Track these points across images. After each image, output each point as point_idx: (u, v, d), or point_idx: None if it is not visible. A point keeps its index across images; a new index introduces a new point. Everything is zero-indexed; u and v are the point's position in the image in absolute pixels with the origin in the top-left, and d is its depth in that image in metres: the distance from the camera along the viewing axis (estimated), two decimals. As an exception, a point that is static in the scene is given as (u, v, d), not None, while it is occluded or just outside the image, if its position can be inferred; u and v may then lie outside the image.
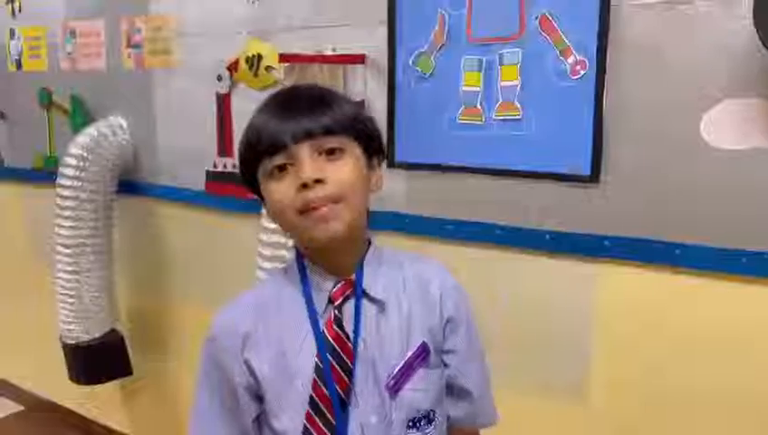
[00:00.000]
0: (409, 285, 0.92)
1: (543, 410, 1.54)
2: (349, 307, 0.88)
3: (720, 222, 1.27)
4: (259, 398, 0.89)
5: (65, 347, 2.21)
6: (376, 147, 0.90)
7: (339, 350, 0.86)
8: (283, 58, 1.73)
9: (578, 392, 1.50)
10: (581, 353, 1.47)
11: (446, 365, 0.94)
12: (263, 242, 1.64)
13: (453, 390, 0.96)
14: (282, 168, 0.82)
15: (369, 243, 0.94)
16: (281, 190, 0.82)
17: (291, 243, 1.60)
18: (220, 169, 1.99)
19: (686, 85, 1.27)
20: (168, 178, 2.14)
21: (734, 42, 1.22)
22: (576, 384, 1.49)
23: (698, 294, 1.33)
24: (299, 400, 0.86)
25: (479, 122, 1.50)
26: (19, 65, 2.55)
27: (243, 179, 0.90)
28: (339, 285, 0.88)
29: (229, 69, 1.91)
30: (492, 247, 1.54)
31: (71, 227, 2.10)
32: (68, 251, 2.11)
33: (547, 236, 1.46)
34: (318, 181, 0.80)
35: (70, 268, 2.12)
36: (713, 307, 1.32)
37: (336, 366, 0.85)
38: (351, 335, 0.87)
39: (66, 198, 2.09)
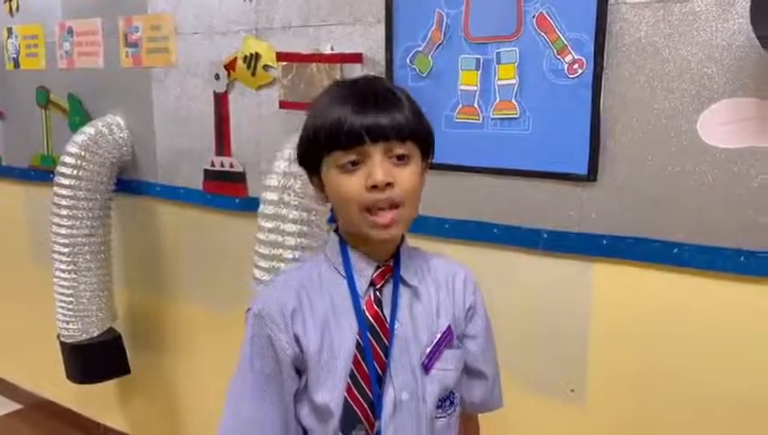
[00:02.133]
0: (435, 275, 1.01)
1: (540, 409, 1.54)
2: (386, 291, 0.95)
3: (717, 221, 1.27)
4: (299, 372, 0.94)
5: (63, 346, 2.21)
6: (428, 148, 0.96)
7: (378, 329, 0.93)
8: (281, 57, 1.73)
9: (574, 391, 1.50)
10: (578, 352, 1.47)
11: (466, 350, 1.02)
12: (260, 241, 1.64)
13: (471, 372, 1.04)
14: (354, 163, 0.87)
15: (403, 236, 1.00)
16: (350, 185, 0.88)
17: (292, 241, 1.60)
18: (218, 167, 1.99)
19: (682, 84, 1.27)
20: (166, 177, 2.14)
21: (731, 41, 1.22)
22: (572, 383, 1.50)
23: (695, 293, 1.33)
24: (339, 374, 0.91)
25: (476, 121, 1.50)
26: (17, 64, 2.55)
27: (302, 160, 0.96)
28: (379, 270, 0.95)
29: (227, 68, 1.91)
30: (489, 246, 1.54)
31: (68, 225, 2.10)
32: (65, 250, 2.11)
33: (544, 236, 1.46)
34: (387, 185, 0.87)
35: (67, 267, 2.12)
36: (710, 306, 1.32)
37: (375, 344, 0.92)
38: (389, 317, 0.94)
39: (64, 196, 2.08)
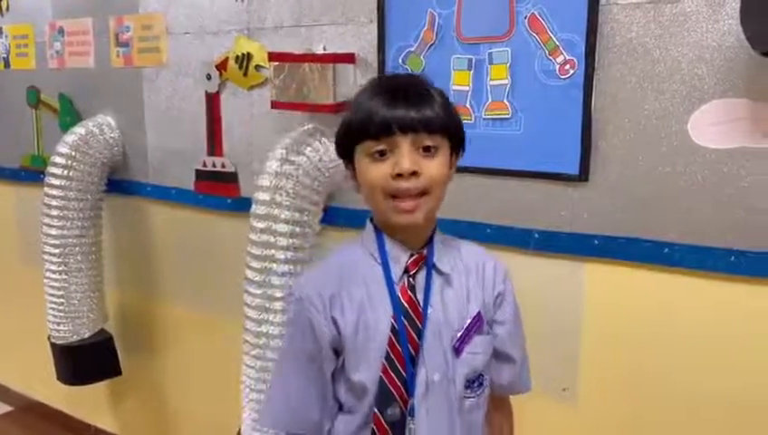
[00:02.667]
0: (467, 263, 1.06)
1: (532, 408, 1.54)
2: (419, 277, 1.01)
3: (707, 221, 1.28)
4: (337, 353, 1.01)
5: (54, 347, 2.20)
6: (459, 144, 1.01)
7: (412, 314, 0.98)
8: (273, 57, 1.72)
9: (566, 390, 1.50)
10: (570, 352, 1.48)
11: (495, 335, 1.06)
12: (252, 241, 1.63)
13: (500, 356, 1.08)
14: (382, 152, 0.93)
15: (436, 224, 1.06)
16: (377, 173, 0.93)
17: (284, 241, 1.60)
18: (209, 168, 1.99)
19: (673, 85, 1.28)
20: (157, 178, 2.13)
21: (722, 42, 1.22)
22: (565, 382, 1.50)
23: (686, 292, 1.33)
24: (375, 355, 0.97)
25: (468, 121, 1.50)
26: (7, 64, 2.53)
27: (339, 149, 1.02)
28: (413, 258, 1.00)
29: (218, 68, 1.90)
30: (481, 246, 1.54)
31: (59, 226, 2.08)
32: (56, 251, 2.10)
33: (536, 235, 1.47)
34: (413, 174, 0.92)
35: (58, 268, 2.11)
36: (701, 306, 1.32)
37: (409, 328, 0.97)
38: (422, 302, 0.99)
39: (54, 197, 2.07)
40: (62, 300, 2.13)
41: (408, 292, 0.99)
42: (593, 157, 1.38)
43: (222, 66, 1.90)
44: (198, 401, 2.24)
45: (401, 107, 0.92)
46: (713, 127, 1.25)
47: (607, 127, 1.36)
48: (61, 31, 2.31)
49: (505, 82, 1.45)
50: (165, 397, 2.36)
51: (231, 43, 1.87)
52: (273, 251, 1.61)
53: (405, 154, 0.92)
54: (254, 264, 1.63)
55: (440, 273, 1.02)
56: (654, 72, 1.29)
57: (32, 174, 2.48)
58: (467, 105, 1.50)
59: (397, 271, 1.00)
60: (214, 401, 2.13)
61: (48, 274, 2.12)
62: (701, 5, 1.23)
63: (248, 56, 1.83)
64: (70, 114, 2.31)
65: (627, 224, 1.36)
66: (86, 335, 2.18)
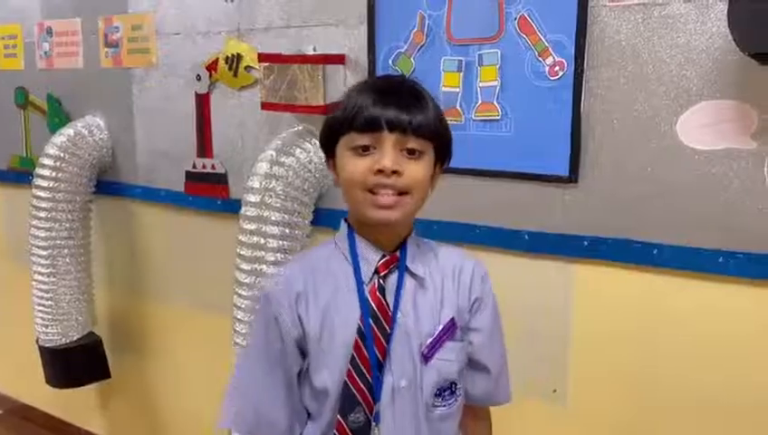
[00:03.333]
0: (443, 266, 1.02)
1: (522, 409, 1.54)
2: (391, 280, 0.98)
3: (696, 222, 1.28)
4: (303, 354, 0.98)
5: (42, 350, 2.18)
6: (445, 154, 0.99)
7: (380, 316, 0.95)
8: (263, 58, 1.72)
9: (556, 391, 1.50)
10: (560, 353, 1.48)
11: (470, 342, 1.03)
12: (241, 243, 1.63)
13: (474, 365, 1.05)
14: (365, 148, 0.91)
15: (412, 228, 1.04)
16: (358, 166, 0.91)
17: (274, 243, 1.60)
18: (199, 169, 1.98)
19: (662, 86, 1.28)
20: (147, 179, 2.12)
21: (710, 44, 1.23)
22: (554, 383, 1.50)
23: (676, 293, 1.34)
24: (340, 358, 0.95)
25: (458, 122, 1.50)
26: (-5, 64, 2.52)
27: (322, 141, 1.00)
28: (384, 259, 0.98)
29: (208, 69, 1.90)
30: (470, 247, 1.53)
31: (47, 228, 2.07)
32: (44, 253, 2.08)
33: (526, 237, 1.47)
34: (394, 172, 0.90)
35: (46, 270, 2.09)
36: (690, 307, 1.33)
37: (376, 331, 0.95)
38: (392, 305, 0.96)
39: (42, 198, 2.06)
40: (50, 302, 2.11)
41: (378, 294, 0.96)
42: (583, 158, 1.38)
43: (212, 67, 1.89)
44: (188, 404, 2.23)
45: (392, 106, 0.91)
46: (701, 128, 1.26)
47: (596, 128, 1.36)
48: (49, 31, 2.29)
49: (495, 83, 1.45)
50: (154, 399, 2.35)
51: (221, 44, 1.86)
52: (262, 253, 1.60)
53: (388, 152, 0.90)
54: (244, 265, 1.62)
55: (413, 276, 0.99)
56: (643, 74, 1.30)
57: (20, 175, 2.46)
58: (457, 107, 1.50)
59: (367, 271, 0.97)
60: (203, 403, 2.12)
61: (36, 276, 2.11)
62: (689, 8, 1.24)
63: (238, 57, 1.83)
64: (58, 115, 2.29)
65: (616, 225, 1.36)
66: (75, 338, 2.17)
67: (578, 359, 1.47)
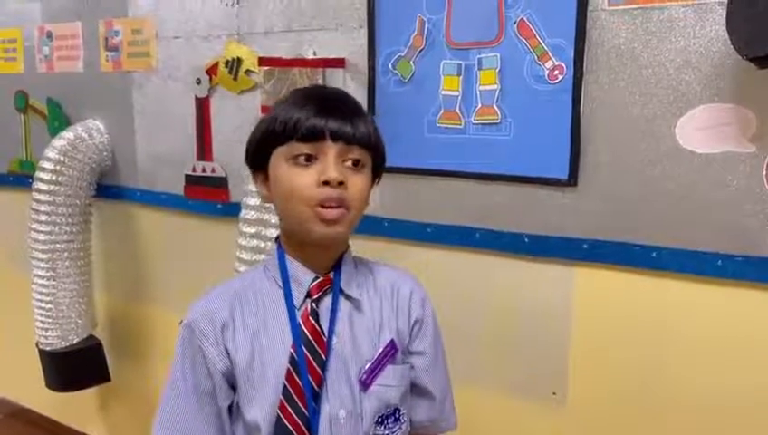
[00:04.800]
0: (380, 287, 0.98)
1: (522, 412, 1.55)
2: (325, 303, 0.92)
3: (695, 225, 1.29)
4: (234, 387, 0.91)
5: (42, 353, 2.18)
6: (380, 166, 0.96)
7: (314, 343, 0.89)
8: (263, 62, 1.72)
9: (556, 394, 1.50)
10: (560, 356, 1.48)
11: (411, 367, 0.98)
12: (241, 246, 1.63)
13: (417, 391, 1.00)
14: (308, 158, 0.86)
15: (347, 246, 0.98)
16: (301, 180, 0.86)
17: (270, 245, 1.60)
18: (199, 172, 1.98)
19: (660, 90, 1.29)
20: (147, 182, 2.12)
21: (708, 47, 1.23)
22: (554, 386, 1.50)
23: (675, 296, 1.34)
24: (272, 390, 0.88)
25: (458, 126, 1.51)
26: (-5, 68, 2.52)
27: (250, 153, 0.94)
28: (317, 281, 0.92)
29: (208, 72, 1.90)
30: (471, 251, 1.54)
31: (47, 231, 2.07)
32: (44, 256, 2.08)
33: (525, 240, 1.47)
34: (340, 184, 0.86)
35: (46, 273, 2.09)
36: (690, 309, 1.33)
37: (310, 358, 0.89)
38: (326, 330, 0.90)
39: (42, 202, 2.06)
40: (50, 306, 2.11)
41: (311, 319, 0.90)
42: (582, 161, 1.38)
43: (212, 71, 1.89)
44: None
45: (335, 117, 0.87)
46: (700, 132, 1.26)
47: (595, 132, 1.36)
48: (49, 35, 2.30)
49: (495, 87, 1.45)
50: (154, 403, 2.32)
51: (221, 48, 1.86)
52: (262, 256, 1.60)
53: (331, 163, 0.86)
54: (244, 268, 1.62)
55: (348, 298, 0.94)
56: (642, 78, 1.30)
57: (20, 179, 2.47)
58: (457, 110, 1.50)
59: (298, 295, 0.92)
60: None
61: (36, 279, 2.11)
62: (688, 12, 1.24)
63: (238, 61, 1.83)
64: (58, 119, 2.29)
65: (615, 228, 1.37)
66: (75, 341, 2.16)
67: (577, 362, 1.47)
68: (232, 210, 1.83)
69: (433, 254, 1.57)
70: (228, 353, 0.90)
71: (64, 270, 2.11)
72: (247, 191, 1.63)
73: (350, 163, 0.88)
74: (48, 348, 2.15)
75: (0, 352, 2.80)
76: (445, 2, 1.48)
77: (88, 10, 2.17)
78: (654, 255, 1.33)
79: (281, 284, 0.92)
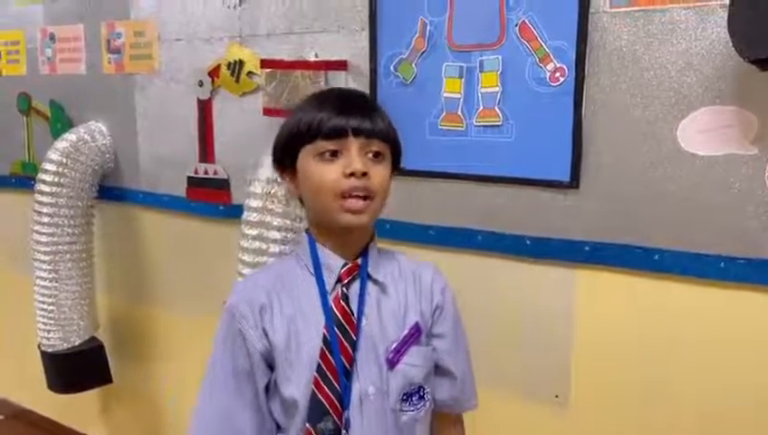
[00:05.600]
0: (404, 272, 1.04)
1: (525, 415, 1.54)
2: (354, 287, 0.99)
3: (697, 228, 1.28)
4: (270, 366, 0.98)
5: (44, 355, 2.18)
6: (397, 158, 1.02)
7: (345, 324, 0.96)
8: (265, 64, 1.72)
9: (559, 397, 1.50)
10: (562, 358, 1.48)
11: (433, 348, 1.04)
12: (243, 249, 1.63)
13: (439, 371, 1.06)
14: (333, 153, 0.93)
15: (373, 235, 1.05)
16: (328, 174, 0.93)
17: (276, 248, 1.60)
18: (201, 174, 1.98)
19: (662, 92, 1.29)
20: (149, 184, 2.13)
21: (710, 50, 1.23)
22: (557, 389, 1.50)
23: (677, 298, 1.34)
24: (307, 368, 0.95)
25: (460, 128, 1.51)
26: (-3, 70, 2.53)
27: (277, 153, 1.01)
28: (346, 267, 0.99)
29: (210, 75, 1.90)
30: (472, 253, 1.54)
31: (49, 233, 2.07)
32: (47, 258, 2.08)
33: (527, 242, 1.47)
34: (364, 174, 0.93)
35: (48, 275, 2.09)
36: (691, 312, 1.33)
37: (342, 339, 0.95)
38: (356, 312, 0.97)
39: (45, 204, 2.06)
40: (52, 307, 2.11)
41: (342, 302, 0.97)
42: (584, 164, 1.38)
43: (214, 73, 1.90)
44: (189, 409, 2.23)
45: (355, 115, 0.94)
46: (701, 134, 1.26)
47: (597, 134, 1.36)
48: (52, 37, 2.30)
49: (496, 89, 1.45)
50: (156, 405, 2.35)
51: (223, 50, 1.87)
52: (264, 258, 1.60)
53: (355, 156, 0.93)
54: (246, 271, 1.62)
55: (375, 282, 1.01)
56: (643, 80, 1.30)
57: (22, 180, 2.47)
58: (459, 112, 1.50)
59: (330, 281, 0.98)
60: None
61: (38, 281, 2.11)
62: (689, 14, 1.24)
63: (240, 63, 1.83)
64: (61, 121, 2.30)
65: (617, 230, 1.37)
66: (77, 343, 2.17)
67: (580, 364, 1.47)
68: (234, 212, 1.83)
69: (435, 256, 1.57)
70: (267, 335, 0.96)
71: (66, 272, 2.11)
72: (249, 193, 1.63)
73: (371, 155, 0.95)
74: (50, 350, 2.15)
75: (2, 353, 2.80)
76: (446, 4, 1.48)
77: (90, 12, 2.18)
78: (656, 257, 1.33)
79: (312, 271, 0.99)
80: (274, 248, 1.60)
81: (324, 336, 0.95)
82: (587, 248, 1.40)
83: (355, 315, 0.97)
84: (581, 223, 1.40)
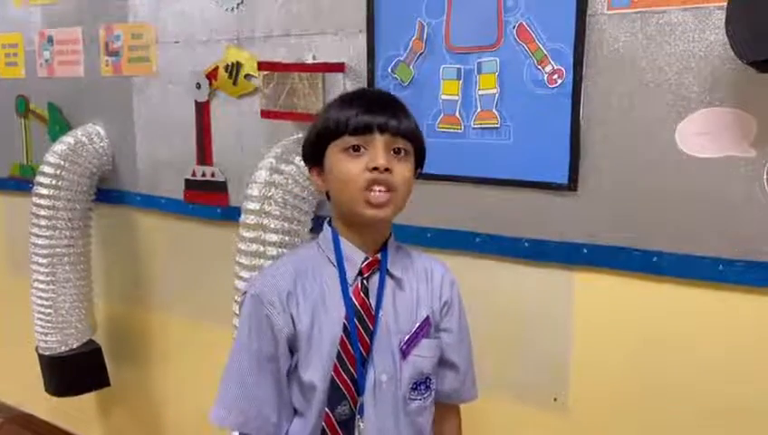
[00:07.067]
0: (417, 269, 1.10)
1: (523, 418, 1.54)
2: (373, 281, 1.05)
3: (696, 230, 1.28)
4: (292, 351, 1.03)
5: (41, 358, 2.17)
6: (421, 160, 1.07)
7: (364, 315, 1.02)
8: (262, 66, 1.72)
9: (557, 400, 1.50)
10: (561, 361, 1.48)
11: (441, 341, 1.10)
12: (241, 251, 1.62)
13: (444, 363, 1.12)
14: (357, 148, 0.98)
15: (391, 232, 1.10)
16: (354, 167, 0.98)
17: (273, 251, 1.60)
18: (199, 177, 1.98)
19: (661, 94, 1.28)
20: (147, 187, 2.12)
21: (708, 52, 1.23)
22: (555, 392, 1.50)
23: (675, 301, 1.33)
24: (326, 355, 1.01)
25: (458, 131, 1.50)
26: (-4, 72, 2.52)
27: (307, 150, 1.07)
28: (367, 261, 1.04)
29: (208, 77, 1.90)
30: (470, 256, 1.54)
31: (47, 236, 2.07)
32: (44, 260, 2.08)
33: (525, 244, 1.47)
34: (387, 170, 0.97)
35: (46, 278, 2.09)
36: (690, 314, 1.32)
37: (360, 329, 1.01)
38: (374, 305, 1.03)
39: (42, 206, 2.06)
40: (49, 310, 2.11)
41: (361, 294, 1.03)
42: (582, 166, 1.38)
43: (212, 75, 1.89)
44: (187, 412, 2.23)
45: (381, 113, 1.00)
46: (700, 136, 1.26)
47: (595, 136, 1.36)
48: (50, 40, 2.30)
49: (494, 91, 1.45)
50: (153, 408, 2.34)
51: (221, 52, 1.87)
52: (262, 261, 1.60)
53: (380, 151, 0.98)
54: (244, 273, 1.62)
55: (393, 277, 1.06)
56: (641, 82, 1.30)
57: (20, 183, 2.47)
58: (456, 114, 1.50)
59: (351, 273, 1.04)
60: (203, 411, 2.11)
61: (36, 284, 2.10)
62: (687, 16, 1.24)
63: (238, 65, 1.83)
64: (59, 123, 2.30)
65: (615, 233, 1.36)
66: (74, 346, 2.16)
67: (579, 367, 1.46)
68: (232, 215, 1.83)
69: (433, 258, 1.57)
70: (293, 320, 1.01)
71: (64, 274, 2.11)
72: (247, 196, 1.63)
73: (395, 152, 1.00)
74: (48, 353, 2.15)
75: (0, 356, 2.79)
76: (444, 6, 1.48)
77: (88, 15, 2.17)
78: (654, 259, 1.33)
79: (335, 262, 1.04)
80: (272, 251, 1.60)
81: (344, 326, 1.01)
82: (585, 251, 1.40)
83: (373, 308, 1.03)
84: (579, 225, 1.40)
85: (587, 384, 1.46)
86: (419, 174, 1.09)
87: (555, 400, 1.50)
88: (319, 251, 1.07)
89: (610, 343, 1.42)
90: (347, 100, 1.04)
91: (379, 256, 1.06)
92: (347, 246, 1.05)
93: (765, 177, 1.21)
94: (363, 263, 1.04)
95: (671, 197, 1.29)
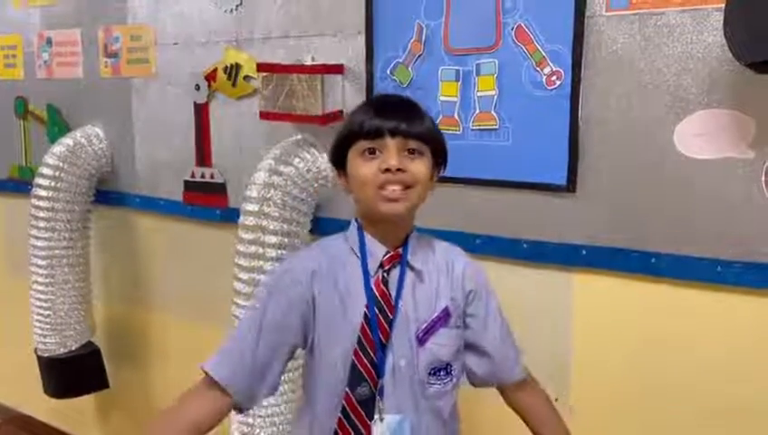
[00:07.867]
0: (438, 262, 1.14)
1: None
2: (394, 273, 1.10)
3: (694, 231, 1.28)
4: (306, 333, 1.09)
5: (40, 360, 2.17)
6: (441, 161, 1.12)
7: (384, 305, 1.08)
8: (262, 67, 1.72)
9: (558, 401, 1.49)
10: (561, 362, 1.48)
11: (467, 327, 1.15)
12: (240, 253, 1.63)
13: (473, 348, 1.16)
14: (371, 151, 1.04)
15: (413, 227, 1.15)
16: (369, 169, 1.04)
17: (272, 252, 1.60)
18: (198, 178, 1.98)
19: (659, 96, 1.29)
20: (146, 188, 2.12)
21: (706, 53, 1.23)
22: (556, 393, 1.49)
23: (674, 302, 1.33)
24: (348, 339, 1.07)
25: (457, 132, 1.51)
26: (-6, 74, 2.52)
27: (332, 155, 1.12)
28: (389, 255, 1.10)
29: (207, 78, 1.90)
30: (469, 257, 1.54)
31: (46, 237, 2.07)
32: (43, 262, 2.08)
33: (524, 246, 1.47)
34: (399, 170, 1.02)
35: (45, 280, 2.09)
36: (688, 316, 1.33)
37: (380, 317, 1.07)
38: (394, 295, 1.08)
39: (41, 208, 2.06)
40: (48, 312, 2.11)
41: (382, 285, 1.08)
42: (581, 167, 1.38)
43: (211, 77, 1.90)
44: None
45: (392, 117, 1.04)
46: (698, 137, 1.26)
47: (594, 137, 1.36)
48: (49, 41, 2.30)
49: (493, 92, 1.45)
50: (152, 409, 2.34)
51: (220, 54, 1.87)
52: (261, 262, 1.60)
53: (392, 153, 1.03)
54: (243, 275, 1.62)
55: (413, 270, 1.11)
56: (640, 83, 1.30)
57: (19, 185, 2.47)
58: (455, 116, 1.50)
59: (373, 265, 1.09)
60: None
61: (35, 285, 2.11)
62: (685, 18, 1.24)
63: (237, 67, 1.83)
64: (58, 125, 2.30)
65: (614, 234, 1.36)
66: (73, 348, 2.16)
67: (579, 368, 1.46)
68: (231, 216, 1.83)
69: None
70: (314, 299, 1.07)
71: (63, 276, 2.11)
72: (246, 197, 1.63)
73: (408, 153, 1.04)
74: (46, 354, 2.15)
75: (-1, 358, 2.80)
76: (443, 8, 1.49)
77: (87, 16, 2.18)
78: (652, 261, 1.33)
79: (359, 254, 1.10)
80: (271, 253, 1.60)
81: (365, 313, 1.07)
82: (584, 252, 1.40)
83: (393, 298, 1.08)
84: (578, 226, 1.40)
85: (588, 385, 1.46)
86: (440, 175, 1.12)
87: (557, 400, 1.49)
88: (345, 243, 1.13)
89: (610, 344, 1.42)
90: (364, 106, 1.11)
91: (400, 250, 1.11)
92: (370, 240, 1.10)
93: (763, 178, 1.22)
94: (384, 256, 1.09)
95: (669, 198, 1.30)
